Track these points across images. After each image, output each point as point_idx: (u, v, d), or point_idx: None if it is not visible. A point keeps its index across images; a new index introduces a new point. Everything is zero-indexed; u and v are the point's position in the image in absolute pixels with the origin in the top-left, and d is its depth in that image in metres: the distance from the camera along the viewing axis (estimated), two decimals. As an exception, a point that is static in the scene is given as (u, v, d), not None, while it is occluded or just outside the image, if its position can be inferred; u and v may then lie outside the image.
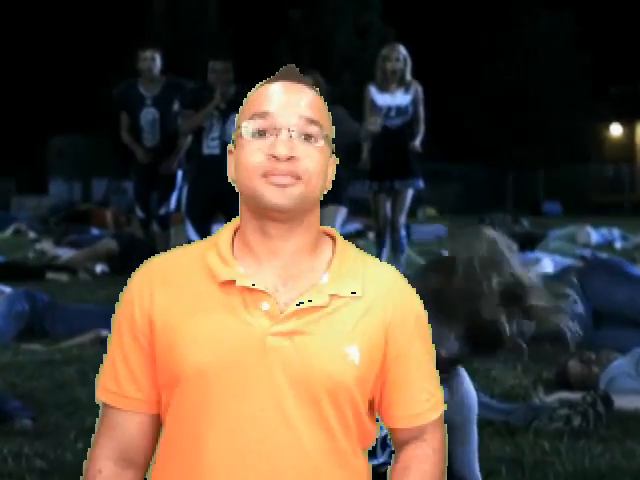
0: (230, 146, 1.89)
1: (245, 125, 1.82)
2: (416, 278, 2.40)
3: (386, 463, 2.68)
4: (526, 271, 3.00)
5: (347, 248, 1.91)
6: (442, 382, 2.04)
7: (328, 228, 1.94)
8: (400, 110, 8.72)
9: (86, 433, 4.47)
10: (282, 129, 1.79)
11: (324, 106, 1.89)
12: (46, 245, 13.88)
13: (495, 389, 5.36)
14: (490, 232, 3.03)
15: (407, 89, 8.77)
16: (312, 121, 1.82)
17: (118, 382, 1.88)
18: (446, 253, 11.95)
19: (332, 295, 1.82)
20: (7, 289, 7.65)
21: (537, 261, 7.80)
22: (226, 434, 1.78)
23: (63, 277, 10.77)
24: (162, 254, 1.95)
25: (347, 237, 2.00)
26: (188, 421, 1.81)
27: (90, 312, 7.27)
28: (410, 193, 8.89)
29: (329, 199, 1.99)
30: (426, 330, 1.92)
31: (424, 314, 1.93)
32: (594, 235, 14.63)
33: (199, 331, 1.80)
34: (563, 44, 41.53)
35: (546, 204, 34.47)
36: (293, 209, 1.80)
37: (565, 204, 33.86)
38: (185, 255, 1.90)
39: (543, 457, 4.17)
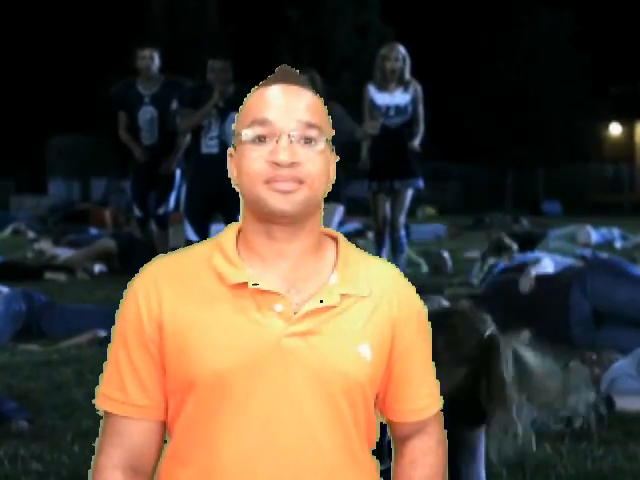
0: (230, 149, 1.90)
1: (245, 132, 1.83)
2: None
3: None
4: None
5: (350, 248, 1.93)
6: None
7: (329, 229, 1.95)
8: (399, 109, 8.70)
9: (82, 435, 4.44)
10: (282, 135, 1.80)
11: (322, 106, 1.89)
12: (45, 245, 13.84)
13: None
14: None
15: (406, 88, 8.76)
16: (311, 125, 1.82)
17: (125, 390, 1.85)
18: (445, 253, 11.96)
19: (342, 295, 1.84)
20: (5, 289, 7.61)
21: (537, 261, 7.75)
22: (244, 435, 1.78)
23: (61, 277, 10.75)
24: (162, 257, 1.93)
25: (346, 237, 2.01)
26: (203, 424, 1.81)
27: (88, 312, 7.24)
28: (410, 193, 8.86)
29: (326, 197, 1.97)
30: (426, 326, 1.96)
31: (424, 310, 1.96)
32: (594, 235, 14.59)
33: (213, 334, 1.79)
34: (563, 44, 41.52)
35: (546, 204, 34.48)
36: (297, 214, 1.81)
37: (565, 204, 33.87)
38: (188, 258, 1.89)
39: (545, 459, 4.14)
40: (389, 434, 2.02)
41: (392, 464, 2.00)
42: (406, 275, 2.00)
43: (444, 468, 1.98)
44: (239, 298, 1.81)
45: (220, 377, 1.78)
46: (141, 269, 1.91)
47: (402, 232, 8.96)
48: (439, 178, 34.66)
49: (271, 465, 1.78)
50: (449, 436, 2.05)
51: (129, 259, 11.16)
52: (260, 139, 1.81)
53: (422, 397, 1.94)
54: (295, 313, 1.80)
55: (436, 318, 2.12)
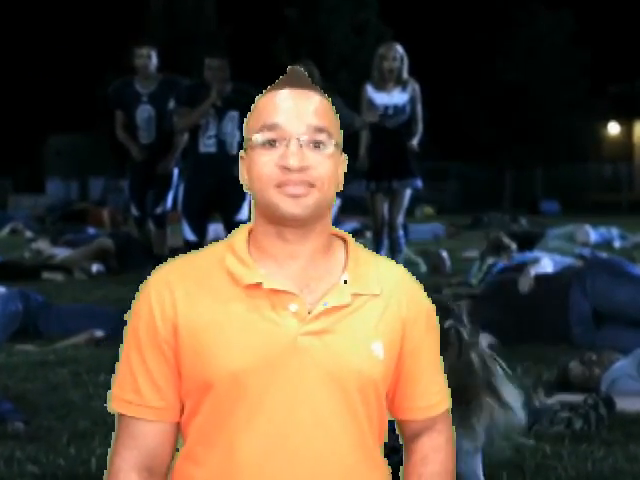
0: (242, 152, 1.92)
1: (255, 137, 1.86)
2: None
3: None
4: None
5: (359, 249, 1.98)
6: None
7: (339, 230, 1.99)
8: (397, 109, 8.69)
9: (79, 437, 4.41)
10: (292, 139, 1.83)
11: (331, 108, 1.92)
12: (42, 244, 13.81)
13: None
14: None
15: (404, 88, 8.75)
16: (321, 129, 1.86)
17: (139, 392, 1.87)
18: (443, 253, 11.93)
19: (353, 294, 1.88)
20: (1, 289, 7.57)
21: (536, 260, 7.72)
22: (260, 435, 1.81)
23: (59, 277, 10.70)
24: (174, 260, 1.95)
25: (345, 236, 1.99)
26: (219, 424, 1.83)
27: (85, 312, 7.20)
28: (408, 193, 8.85)
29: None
30: (435, 324, 2.00)
31: (433, 309, 2.00)
32: (593, 234, 14.56)
33: (228, 334, 1.82)
34: (562, 43, 41.49)
35: (544, 203, 34.45)
36: (308, 217, 1.85)
37: (563, 203, 33.85)
38: (200, 260, 1.92)
39: (544, 461, 4.10)
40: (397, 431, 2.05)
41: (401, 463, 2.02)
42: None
43: (453, 465, 2.02)
44: (253, 298, 1.84)
45: (236, 377, 1.80)
46: (153, 271, 1.93)
47: (400, 232, 8.94)
48: (437, 177, 34.64)
49: (287, 465, 1.81)
50: None
51: (127, 259, 11.14)
52: (270, 143, 1.84)
53: (432, 394, 1.98)
54: (309, 312, 1.83)
55: None
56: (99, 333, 6.74)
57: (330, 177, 1.86)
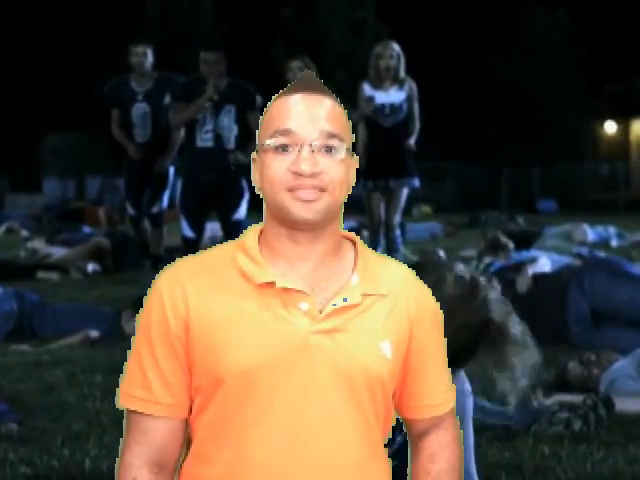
0: (254, 154, 1.96)
1: (268, 142, 1.89)
2: None
3: None
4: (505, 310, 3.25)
5: (367, 250, 2.02)
6: None
7: (348, 232, 2.04)
8: (394, 107, 8.65)
9: (73, 438, 4.38)
10: (304, 145, 1.87)
11: (343, 113, 1.96)
12: (38, 244, 13.78)
13: (493, 392, 5.25)
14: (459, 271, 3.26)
15: (401, 86, 8.72)
16: (332, 134, 1.89)
17: (149, 388, 1.89)
18: (441, 252, 11.90)
19: (363, 294, 1.91)
20: (-4, 289, 7.54)
21: (534, 260, 7.70)
22: (270, 432, 1.84)
23: (54, 276, 10.66)
24: (185, 258, 1.97)
25: (342, 235, 1.98)
26: (229, 421, 1.86)
27: (80, 312, 7.17)
28: (405, 192, 8.81)
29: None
30: (441, 323, 2.03)
31: (438, 308, 2.04)
32: (590, 233, 14.55)
33: (240, 331, 1.85)
34: (559, 42, 41.51)
35: (541, 202, 34.41)
36: (319, 221, 1.89)
37: (560, 202, 33.81)
38: (211, 258, 1.95)
39: (543, 462, 4.07)
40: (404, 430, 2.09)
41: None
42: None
43: (460, 462, 2.05)
44: (265, 297, 1.87)
45: (246, 374, 1.83)
46: (163, 269, 1.96)
47: (397, 231, 8.91)
48: (435, 176, 34.59)
49: (297, 461, 1.84)
50: None
51: (123, 258, 11.11)
52: (283, 148, 1.88)
53: (439, 393, 2.01)
54: (320, 312, 1.87)
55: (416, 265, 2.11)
56: (94, 333, 6.71)
57: (341, 182, 1.90)
